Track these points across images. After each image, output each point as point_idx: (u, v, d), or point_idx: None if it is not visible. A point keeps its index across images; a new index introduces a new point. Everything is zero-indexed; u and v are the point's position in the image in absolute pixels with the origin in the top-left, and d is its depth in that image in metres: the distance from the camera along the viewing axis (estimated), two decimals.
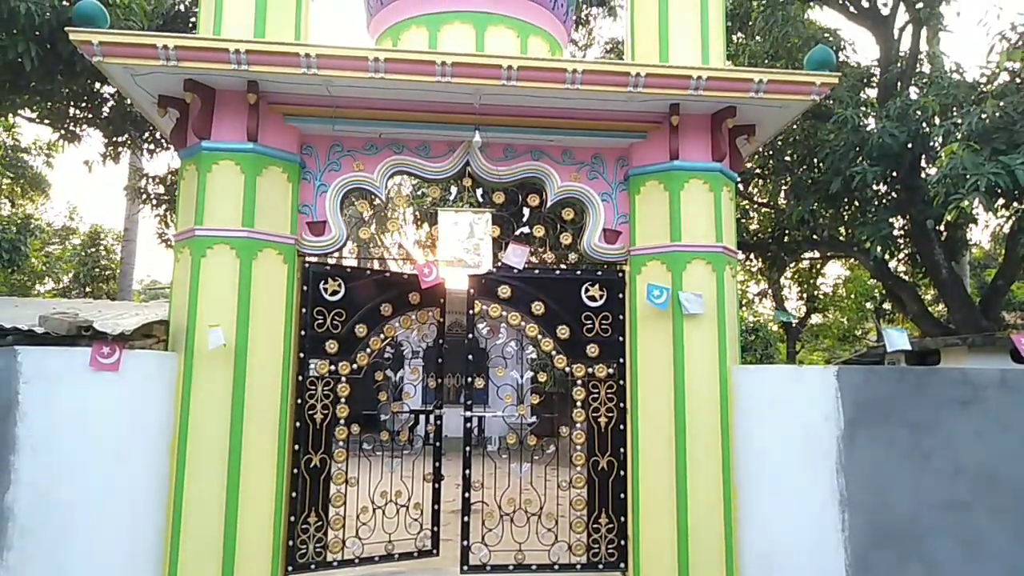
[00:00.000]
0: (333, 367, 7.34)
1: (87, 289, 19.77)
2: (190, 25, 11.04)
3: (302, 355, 7.22)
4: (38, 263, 20.30)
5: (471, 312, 7.69)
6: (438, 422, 8.02)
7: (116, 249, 19.90)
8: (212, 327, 6.50)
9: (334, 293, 7.44)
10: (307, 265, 7.38)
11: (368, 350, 7.65)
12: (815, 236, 12.97)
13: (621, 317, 7.63)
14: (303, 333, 7.23)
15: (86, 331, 6.42)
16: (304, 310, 7.27)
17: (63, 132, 12.16)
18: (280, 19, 7.35)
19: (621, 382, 7.55)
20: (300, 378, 7.19)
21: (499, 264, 7.72)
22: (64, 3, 9.16)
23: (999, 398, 6.81)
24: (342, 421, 7.39)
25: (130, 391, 6.36)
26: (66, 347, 6.31)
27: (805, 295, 19.14)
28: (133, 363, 6.36)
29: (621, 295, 7.67)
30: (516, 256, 7.63)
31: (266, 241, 6.94)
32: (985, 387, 6.83)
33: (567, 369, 7.63)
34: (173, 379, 6.60)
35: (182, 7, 11.20)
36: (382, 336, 7.76)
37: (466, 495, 7.46)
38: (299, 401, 7.14)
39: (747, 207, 15.05)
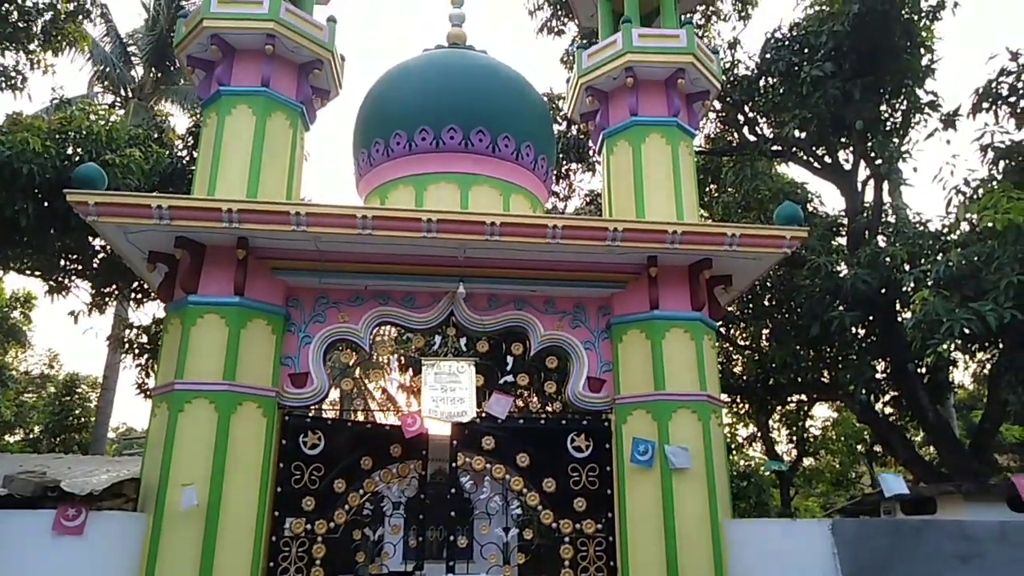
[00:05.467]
0: (309, 526, 7.02)
1: (58, 439, 19.17)
2: (187, 180, 11.49)
3: (277, 513, 6.92)
4: (8, 412, 19.82)
5: (454, 465, 7.49)
6: None
7: (92, 397, 19.54)
8: (185, 486, 6.27)
9: (313, 447, 7.25)
10: (287, 418, 7.25)
11: (346, 507, 7.34)
12: (799, 379, 13.01)
13: (608, 468, 7.45)
14: (279, 490, 6.98)
15: (52, 491, 6.15)
16: (281, 465, 7.05)
17: (52, 284, 12.29)
18: (273, 178, 7.71)
19: (610, 538, 7.24)
20: (274, 538, 6.85)
21: (483, 413, 7.62)
22: (65, 163, 9.56)
23: (999, 553, 6.59)
24: None
25: (92, 555, 6.02)
26: (29, 510, 6.02)
27: (795, 438, 18.88)
28: (98, 526, 6.06)
29: (608, 445, 7.54)
30: (500, 406, 7.55)
31: (246, 394, 6.86)
32: (984, 541, 6.62)
33: (554, 525, 7.33)
34: (139, 542, 6.26)
35: (179, 165, 11.71)
36: (361, 492, 7.48)
37: None
38: (271, 564, 6.76)
39: (730, 350, 15.18)
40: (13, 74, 12.33)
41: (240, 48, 7.97)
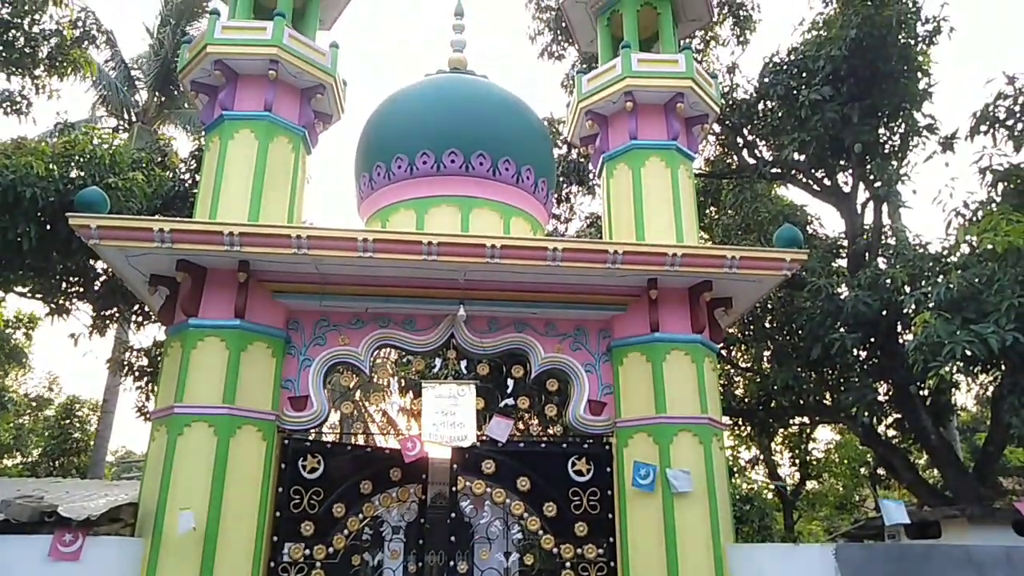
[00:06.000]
0: (308, 551, 6.95)
1: (56, 462, 19.06)
2: (189, 204, 11.54)
3: (276, 538, 6.86)
4: (7, 436, 19.70)
5: (454, 489, 7.44)
6: None
7: (92, 420, 19.46)
8: (183, 510, 6.22)
9: (313, 470, 7.21)
10: (286, 441, 7.21)
11: (346, 531, 7.28)
12: (801, 402, 12.95)
13: (609, 492, 7.40)
14: (278, 514, 6.92)
15: (49, 517, 6.11)
16: (281, 489, 7.01)
17: (53, 306, 12.30)
18: (275, 202, 7.75)
19: (612, 563, 7.17)
20: (272, 564, 6.78)
21: (483, 437, 7.59)
22: (68, 186, 9.62)
23: None
24: None
25: None
26: (26, 535, 5.98)
27: (797, 461, 18.76)
28: (95, 551, 6.02)
29: (609, 469, 7.49)
30: (500, 429, 7.51)
31: (246, 418, 6.83)
32: (990, 566, 6.56)
33: (555, 550, 7.26)
34: (136, 567, 6.21)
35: (182, 188, 11.77)
36: (361, 516, 7.42)
37: None
38: None
39: (731, 372, 15.14)
40: (18, 99, 12.45)
41: (243, 73, 8.05)
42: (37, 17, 12.00)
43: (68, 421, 19.26)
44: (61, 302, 12.11)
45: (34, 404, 22.21)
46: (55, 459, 18.90)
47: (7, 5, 11.69)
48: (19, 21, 11.84)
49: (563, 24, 14.58)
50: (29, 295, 12.23)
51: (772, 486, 15.30)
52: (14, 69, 12.14)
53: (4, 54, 11.88)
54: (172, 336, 7.28)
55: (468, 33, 10.66)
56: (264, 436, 6.93)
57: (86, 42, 13.08)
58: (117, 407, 17.84)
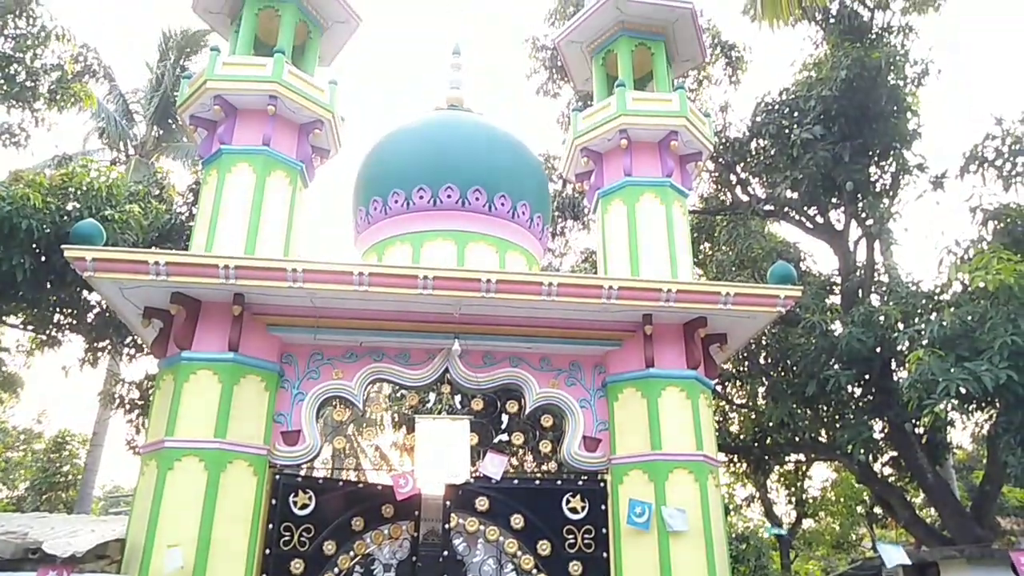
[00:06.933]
0: None
1: (43, 496, 18.75)
2: (185, 236, 11.57)
3: None
4: None
5: (447, 526, 7.34)
6: None
7: (81, 453, 19.21)
8: (170, 547, 6.11)
9: (304, 507, 7.10)
10: (277, 477, 7.12)
11: (336, 569, 7.15)
12: (796, 438, 12.89)
13: (604, 531, 7.30)
14: (268, 552, 6.80)
15: (34, 553, 5.99)
16: (271, 526, 6.89)
17: (46, 337, 12.23)
18: (272, 235, 7.76)
19: None
20: None
21: (477, 473, 7.51)
22: (64, 218, 9.64)
23: None
24: None
25: None
26: (10, 573, 5.86)
27: (793, 499, 18.61)
28: None
29: (604, 506, 7.40)
30: (494, 466, 7.43)
31: (237, 452, 6.76)
32: None
33: None
34: None
35: (178, 220, 11.81)
36: (352, 553, 7.29)
37: None
38: None
39: (726, 408, 15.08)
40: (17, 131, 12.55)
41: (243, 108, 8.14)
42: (39, 52, 12.16)
43: (57, 455, 19.01)
44: (53, 333, 12.04)
45: (23, 437, 21.93)
46: (42, 493, 18.60)
47: (10, 40, 11.84)
48: (21, 56, 11.98)
49: (558, 63, 14.85)
50: (21, 327, 12.16)
51: (772, 532, 15.14)
52: (14, 102, 12.25)
53: (5, 88, 12.00)
54: (165, 369, 7.23)
55: (465, 71, 10.83)
56: (255, 471, 6.85)
57: (87, 76, 13.23)
58: (106, 440, 17.63)
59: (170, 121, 20.37)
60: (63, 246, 6.64)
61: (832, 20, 13.21)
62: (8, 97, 12.06)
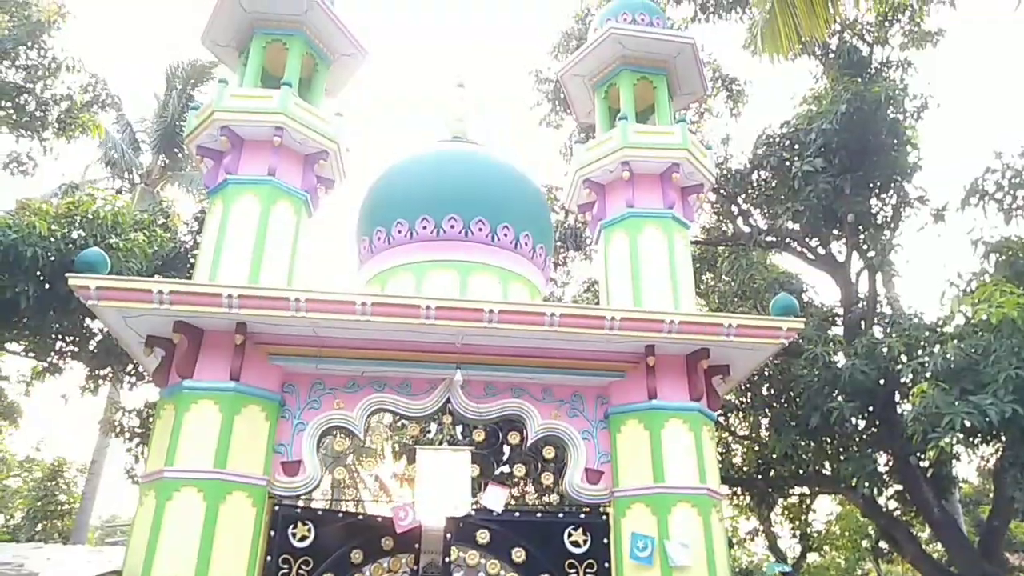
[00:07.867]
0: None
1: (39, 525, 18.57)
2: (189, 265, 11.62)
3: None
4: None
5: (447, 559, 7.24)
6: None
7: (79, 482, 19.07)
8: None
9: (303, 539, 7.02)
10: (277, 508, 7.05)
11: None
12: (800, 471, 12.76)
13: (607, 565, 7.19)
14: None
15: None
16: (269, 558, 6.81)
17: (47, 365, 12.22)
18: (276, 264, 7.79)
19: None
20: None
21: (478, 505, 7.43)
22: (69, 246, 9.68)
23: None
24: None
25: None
26: None
27: (798, 532, 18.36)
28: None
29: (606, 540, 7.31)
30: (496, 498, 7.36)
31: (237, 483, 6.70)
32: None
33: None
34: None
35: (182, 249, 11.86)
36: None
37: None
38: None
39: (729, 440, 14.96)
40: (26, 160, 12.68)
41: (249, 139, 8.22)
42: (49, 82, 12.34)
43: (54, 483, 18.87)
44: (54, 361, 12.03)
45: (24, 464, 21.79)
46: (38, 522, 18.43)
47: (21, 71, 12.02)
48: (31, 86, 12.16)
49: (561, 95, 15.02)
50: (23, 354, 12.15)
51: (776, 569, 14.92)
52: (24, 131, 12.40)
53: (15, 117, 12.16)
54: (166, 398, 7.20)
55: (468, 103, 10.95)
56: (254, 502, 6.78)
57: (95, 106, 13.41)
58: (105, 468, 17.51)
59: (176, 150, 20.59)
60: (67, 274, 6.65)
61: (832, 55, 13.40)
62: (18, 126, 12.22)
